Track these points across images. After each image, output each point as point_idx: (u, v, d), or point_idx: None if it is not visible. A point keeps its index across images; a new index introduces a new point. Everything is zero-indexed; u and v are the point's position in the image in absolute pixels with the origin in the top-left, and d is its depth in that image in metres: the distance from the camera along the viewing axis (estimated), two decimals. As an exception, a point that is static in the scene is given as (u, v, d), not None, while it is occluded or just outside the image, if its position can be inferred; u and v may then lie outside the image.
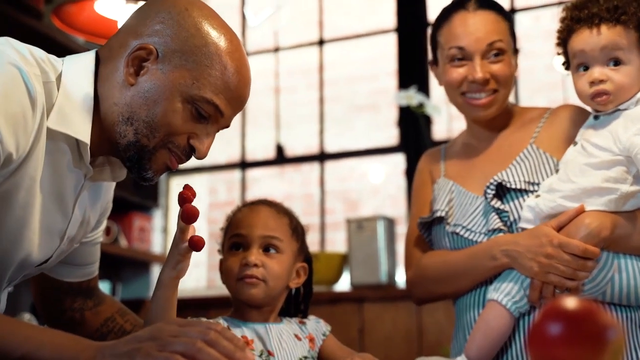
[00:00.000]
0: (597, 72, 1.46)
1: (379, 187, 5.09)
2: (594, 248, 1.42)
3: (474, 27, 1.64)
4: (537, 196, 1.52)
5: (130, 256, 3.94)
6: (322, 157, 4.22)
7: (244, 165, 4.41)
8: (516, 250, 1.48)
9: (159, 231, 4.29)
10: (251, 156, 4.45)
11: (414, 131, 3.85)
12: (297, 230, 1.57)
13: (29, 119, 1.18)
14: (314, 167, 4.60)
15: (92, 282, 1.62)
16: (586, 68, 1.49)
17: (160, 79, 1.28)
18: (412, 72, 3.94)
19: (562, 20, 1.55)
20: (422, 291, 1.72)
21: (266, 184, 4.95)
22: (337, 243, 4.51)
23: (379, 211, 4.73)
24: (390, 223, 3.57)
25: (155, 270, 4.24)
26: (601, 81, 1.45)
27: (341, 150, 4.32)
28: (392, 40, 4.13)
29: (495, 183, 1.58)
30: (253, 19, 4.63)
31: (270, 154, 4.45)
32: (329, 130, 4.33)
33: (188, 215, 1.31)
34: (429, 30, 3.98)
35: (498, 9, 1.69)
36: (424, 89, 3.83)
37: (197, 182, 4.62)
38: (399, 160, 4.48)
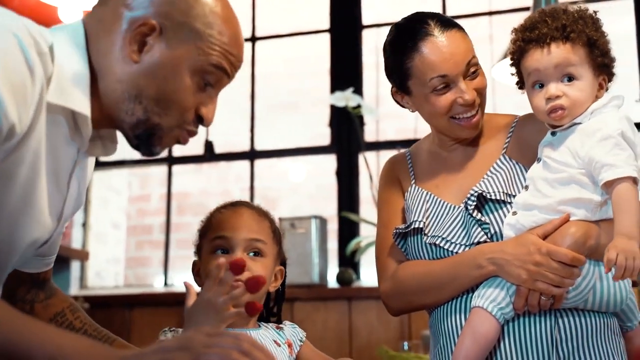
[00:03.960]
0: (553, 88, 1.50)
1: (298, 186, 5.09)
2: (581, 256, 1.45)
3: (449, 51, 1.60)
4: (514, 213, 1.54)
5: (50, 252, 3.78)
6: (252, 154, 4.18)
7: (170, 160, 4.32)
8: (503, 258, 1.49)
9: (78, 226, 4.14)
10: (174, 151, 4.36)
11: (346, 131, 3.87)
12: (277, 233, 1.55)
13: (29, 89, 1.12)
14: (233, 163, 4.55)
15: (47, 274, 1.54)
16: (541, 85, 1.53)
17: (166, 55, 1.26)
18: (344, 73, 3.96)
19: (514, 42, 1.58)
20: (400, 303, 1.69)
21: (185, 179, 4.87)
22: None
23: (298, 210, 4.73)
24: (323, 222, 3.57)
25: (75, 267, 4.09)
26: (557, 97, 1.50)
27: (268, 148, 4.29)
28: (325, 40, 4.14)
29: (475, 194, 1.59)
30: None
31: (193, 149, 4.37)
32: (256, 127, 4.29)
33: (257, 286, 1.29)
34: (364, 33, 4.05)
35: (459, 26, 1.67)
36: (358, 90, 3.86)
37: (116, 175, 4.49)
38: (319, 160, 4.49)
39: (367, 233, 3.74)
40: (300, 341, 1.52)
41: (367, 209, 3.89)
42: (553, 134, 1.54)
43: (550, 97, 1.50)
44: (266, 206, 4.94)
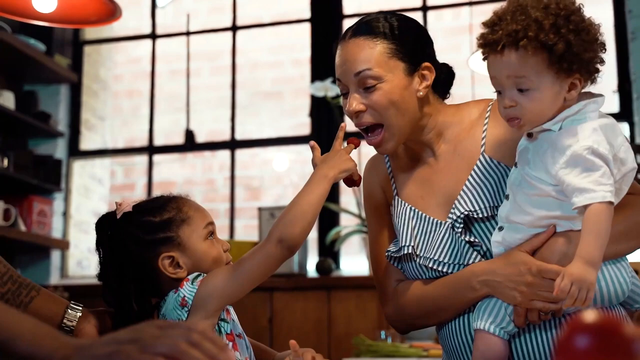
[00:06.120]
0: (506, 98, 1.42)
1: (281, 175, 5.09)
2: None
3: (343, 57, 1.57)
4: (501, 229, 1.49)
5: (29, 241, 3.78)
6: (233, 144, 4.18)
7: (151, 150, 4.31)
8: (495, 280, 1.45)
9: (59, 215, 4.13)
10: (155, 140, 4.36)
11: (326, 121, 3.87)
12: None
13: None
14: (217, 152, 4.55)
15: None
16: (500, 92, 1.45)
17: None
18: (325, 62, 3.95)
19: (477, 40, 1.47)
20: (405, 326, 1.69)
21: (167, 169, 4.86)
22: (240, 230, 4.49)
23: (282, 200, 4.73)
24: (302, 213, 3.58)
25: (55, 256, 4.08)
26: (511, 106, 1.42)
27: (249, 137, 4.29)
28: (306, 29, 4.13)
29: (462, 216, 1.53)
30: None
31: (175, 138, 4.37)
32: (237, 116, 4.29)
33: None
34: (344, 22, 4.05)
35: (376, 32, 1.57)
36: (338, 80, 3.86)
37: (98, 164, 4.48)
38: (302, 150, 4.49)
39: (347, 222, 3.75)
40: None
41: (347, 199, 3.90)
42: (529, 135, 1.46)
43: (505, 106, 1.43)
44: (249, 195, 4.93)
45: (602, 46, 1.41)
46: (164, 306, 1.45)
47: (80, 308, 1.48)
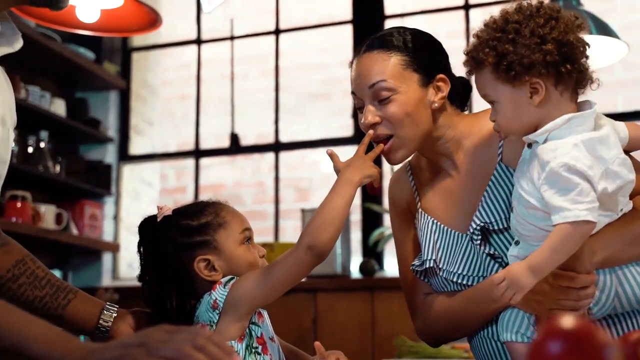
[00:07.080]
0: (490, 113, 1.48)
1: (330, 176, 5.11)
2: (588, 276, 1.38)
3: (357, 71, 1.59)
4: (517, 243, 1.48)
5: (81, 244, 3.89)
6: (277, 146, 4.22)
7: (197, 153, 4.39)
8: None
9: (110, 219, 4.24)
10: (204, 144, 4.43)
11: (369, 123, 3.88)
12: None
13: None
14: (266, 155, 4.61)
15: None
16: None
17: None
18: (367, 64, 3.96)
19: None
20: (434, 339, 1.72)
21: (217, 171, 4.93)
22: (288, 231, 4.53)
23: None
24: (345, 214, 3.59)
25: (107, 258, 4.19)
26: (493, 120, 1.47)
27: (295, 139, 4.32)
28: (348, 31, 4.15)
29: (478, 228, 1.55)
30: (207, 5, 4.60)
31: (223, 142, 4.44)
32: (283, 119, 4.33)
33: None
34: (386, 23, 4.05)
35: (389, 46, 1.59)
36: (380, 81, 3.86)
37: (148, 168, 4.58)
38: (345, 151, 4.50)
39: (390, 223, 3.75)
40: None
41: (391, 200, 3.89)
42: (529, 145, 1.45)
43: (490, 120, 1.48)
44: (298, 197, 4.98)
45: (562, 44, 1.36)
46: (199, 308, 1.49)
47: (116, 309, 1.54)
